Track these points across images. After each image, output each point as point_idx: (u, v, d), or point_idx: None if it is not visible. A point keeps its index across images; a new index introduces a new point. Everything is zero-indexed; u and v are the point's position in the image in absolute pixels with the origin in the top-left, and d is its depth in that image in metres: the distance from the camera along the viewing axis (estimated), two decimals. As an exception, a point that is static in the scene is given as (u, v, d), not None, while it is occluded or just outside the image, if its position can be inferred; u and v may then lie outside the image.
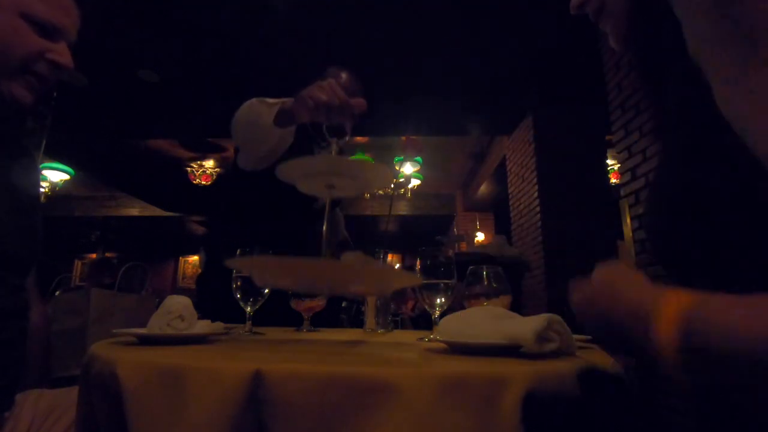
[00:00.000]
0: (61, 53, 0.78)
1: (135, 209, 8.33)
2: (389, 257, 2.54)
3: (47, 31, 0.76)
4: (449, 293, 0.85)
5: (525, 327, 0.59)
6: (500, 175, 5.05)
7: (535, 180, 3.74)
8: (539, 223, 3.66)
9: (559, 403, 0.49)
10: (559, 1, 2.90)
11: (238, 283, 0.92)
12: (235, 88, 3.85)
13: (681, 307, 0.39)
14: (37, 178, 0.92)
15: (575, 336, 0.81)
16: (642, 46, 0.38)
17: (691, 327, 0.38)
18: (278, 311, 1.00)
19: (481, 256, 3.07)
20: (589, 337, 0.83)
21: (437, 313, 0.86)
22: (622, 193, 2.60)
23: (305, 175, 0.76)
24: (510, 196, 4.40)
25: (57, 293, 2.53)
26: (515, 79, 3.60)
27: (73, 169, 6.16)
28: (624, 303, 0.45)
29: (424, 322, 3.02)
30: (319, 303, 1.01)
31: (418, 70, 3.50)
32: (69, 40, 0.80)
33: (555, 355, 0.58)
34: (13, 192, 0.79)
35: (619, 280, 0.48)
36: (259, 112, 1.15)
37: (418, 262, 0.87)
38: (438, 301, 0.85)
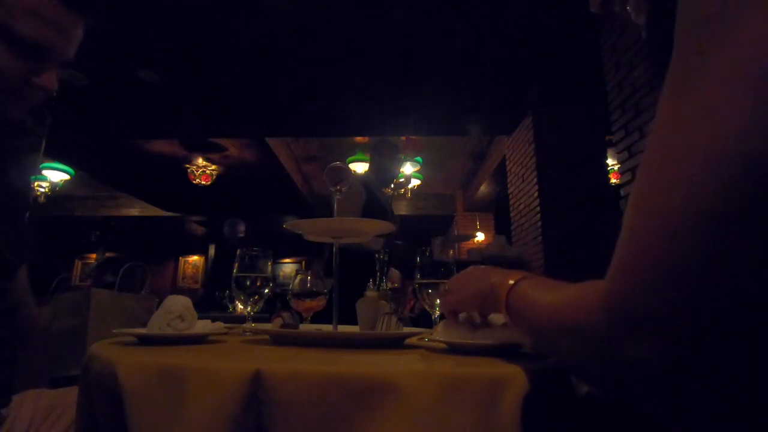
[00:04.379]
0: (47, 79, 0.71)
1: (135, 209, 8.34)
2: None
3: (34, 52, 0.68)
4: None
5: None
6: (500, 175, 5.05)
7: (535, 180, 3.74)
8: (539, 223, 3.66)
9: (559, 403, 0.49)
10: (559, 1, 2.90)
11: (240, 283, 0.92)
12: (235, 88, 3.85)
13: (509, 284, 0.53)
14: (26, 181, 0.89)
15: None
16: (659, 22, 0.37)
17: (510, 300, 0.52)
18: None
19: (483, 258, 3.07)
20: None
21: (437, 313, 0.86)
22: (622, 193, 2.60)
23: (313, 231, 0.87)
24: (510, 196, 4.40)
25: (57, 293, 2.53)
26: (515, 79, 3.60)
27: (73, 169, 6.16)
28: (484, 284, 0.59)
29: (424, 322, 3.02)
30: (319, 303, 1.00)
31: (418, 69, 3.50)
32: (61, 60, 0.73)
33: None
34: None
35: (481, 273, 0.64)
36: None
37: (417, 262, 0.87)
38: (438, 301, 0.85)
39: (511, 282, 0.53)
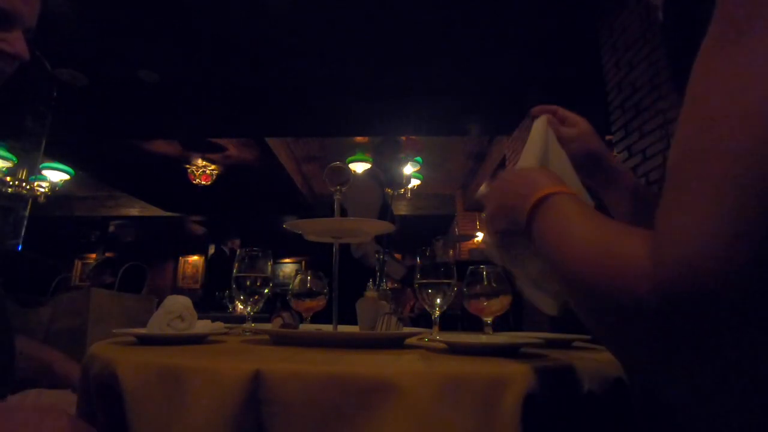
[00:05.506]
0: (13, 42, 0.71)
1: (135, 209, 8.33)
2: (397, 257, 2.54)
3: (1, 17, 0.69)
4: (449, 293, 0.85)
5: None
6: (500, 175, 5.04)
7: (535, 180, 3.73)
8: (539, 223, 3.65)
9: (559, 403, 0.49)
10: (559, 2, 2.90)
11: (239, 283, 0.92)
12: (235, 88, 3.85)
13: (536, 197, 0.43)
14: None
15: (576, 336, 0.81)
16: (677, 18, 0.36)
17: (535, 221, 0.43)
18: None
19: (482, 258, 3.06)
20: (589, 337, 0.83)
21: (437, 313, 0.86)
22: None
23: (313, 231, 0.88)
24: (510, 196, 4.39)
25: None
26: (515, 79, 3.60)
27: (73, 169, 6.16)
28: (516, 183, 0.50)
29: (424, 322, 3.01)
30: (319, 303, 1.00)
31: (418, 69, 3.50)
32: (25, 26, 0.73)
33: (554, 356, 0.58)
34: None
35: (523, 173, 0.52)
36: None
37: (418, 261, 0.87)
38: (438, 301, 0.85)
39: (539, 195, 0.43)
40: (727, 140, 0.25)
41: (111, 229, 7.87)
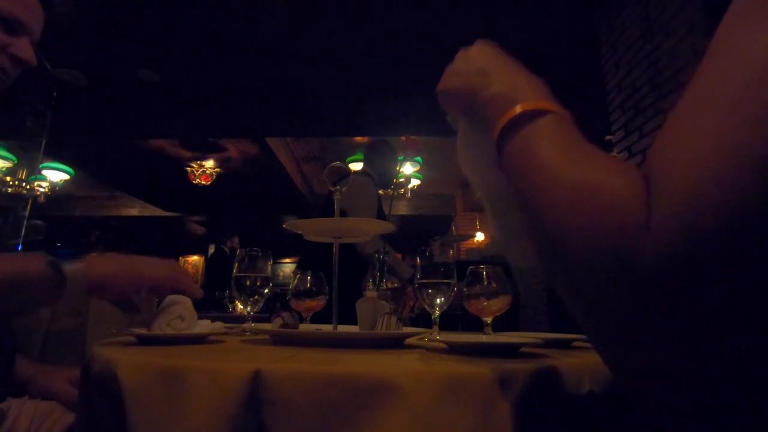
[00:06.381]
0: (23, 49, 0.76)
1: (135, 209, 8.33)
2: (398, 256, 2.55)
3: (8, 25, 0.75)
4: (449, 293, 0.85)
5: None
6: (500, 175, 5.03)
7: (535, 180, 3.73)
8: (539, 223, 3.65)
9: (559, 403, 0.49)
10: (558, 2, 2.90)
11: (239, 283, 0.92)
12: (235, 88, 3.85)
13: (514, 111, 0.37)
14: None
15: (576, 336, 0.81)
16: None
17: (510, 143, 0.36)
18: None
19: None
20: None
21: (437, 313, 0.86)
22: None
23: (314, 231, 0.88)
24: (510, 196, 4.39)
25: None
26: (515, 79, 3.60)
27: (73, 169, 6.16)
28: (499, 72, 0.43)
29: (424, 322, 3.01)
30: (319, 303, 1.01)
31: (419, 69, 3.50)
32: (32, 36, 0.78)
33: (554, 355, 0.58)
34: None
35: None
36: None
37: (417, 261, 0.87)
38: (438, 301, 0.85)
39: (518, 110, 0.37)
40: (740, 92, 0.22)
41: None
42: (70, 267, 0.63)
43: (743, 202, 0.20)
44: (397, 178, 5.51)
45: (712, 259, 0.21)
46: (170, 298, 0.75)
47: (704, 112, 0.24)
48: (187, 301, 0.75)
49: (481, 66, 0.45)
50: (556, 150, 0.32)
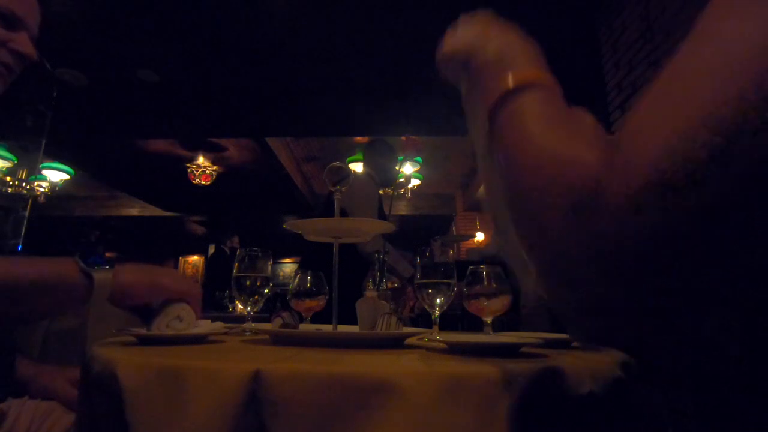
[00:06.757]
0: (23, 43, 0.77)
1: (135, 209, 8.33)
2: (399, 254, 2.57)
3: (6, 20, 0.75)
4: (449, 293, 0.85)
5: None
6: (500, 175, 5.03)
7: (535, 180, 3.73)
8: (539, 223, 3.65)
9: (558, 403, 0.49)
10: (558, 1, 2.90)
11: (239, 283, 0.92)
12: (235, 88, 3.85)
13: (504, 87, 0.38)
14: None
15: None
16: None
17: (499, 117, 0.38)
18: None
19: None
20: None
21: (437, 313, 0.86)
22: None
23: (314, 231, 0.88)
24: (510, 196, 4.38)
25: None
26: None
27: (73, 169, 6.16)
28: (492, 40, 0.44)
29: (424, 322, 3.01)
30: (319, 303, 1.01)
31: (419, 69, 3.50)
32: (30, 31, 0.79)
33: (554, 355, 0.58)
34: None
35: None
36: None
37: (418, 261, 0.87)
38: (438, 301, 0.85)
39: (510, 83, 0.38)
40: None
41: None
42: (99, 275, 0.67)
43: (688, 175, 0.23)
44: (397, 178, 5.51)
45: (652, 215, 0.24)
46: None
47: (667, 93, 0.27)
48: (186, 305, 0.75)
49: (477, 31, 0.47)
50: (539, 125, 0.35)
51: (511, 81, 0.38)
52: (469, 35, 0.47)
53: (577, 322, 0.32)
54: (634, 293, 0.26)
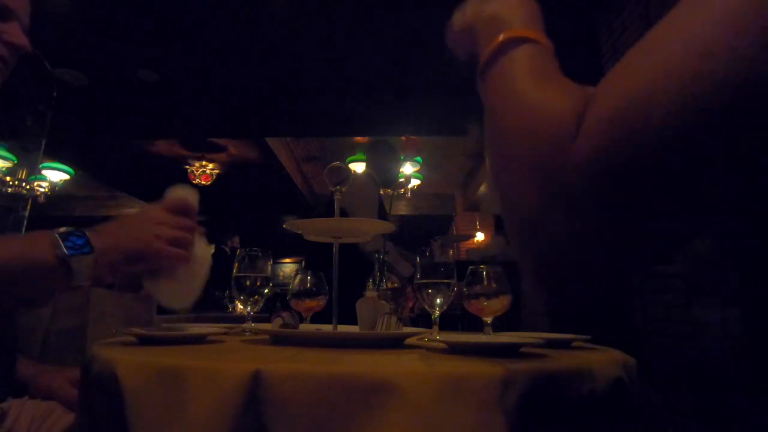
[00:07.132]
0: (15, 34, 0.75)
1: (135, 209, 8.32)
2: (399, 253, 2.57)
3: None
4: (449, 293, 0.85)
5: None
6: (500, 175, 5.03)
7: (535, 180, 3.73)
8: (539, 223, 3.65)
9: (559, 403, 0.49)
10: (558, 1, 2.91)
11: (239, 283, 0.92)
12: (235, 88, 3.85)
13: (496, 41, 0.39)
14: None
15: (576, 336, 0.81)
16: None
17: (490, 70, 0.40)
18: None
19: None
20: (589, 337, 0.83)
21: (437, 313, 0.86)
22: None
23: (314, 231, 0.88)
24: (510, 196, 4.38)
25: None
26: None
27: (73, 169, 6.15)
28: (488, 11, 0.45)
29: (424, 322, 3.02)
30: (319, 303, 1.01)
31: (419, 69, 3.50)
32: (21, 23, 0.77)
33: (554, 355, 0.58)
34: None
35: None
36: None
37: (418, 261, 0.87)
38: (438, 301, 0.85)
39: (500, 38, 0.39)
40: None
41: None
42: (77, 261, 0.59)
43: (647, 118, 0.25)
44: (398, 179, 5.51)
45: (617, 166, 0.27)
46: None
47: (639, 52, 0.29)
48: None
49: (480, 2, 0.48)
50: (526, 80, 0.37)
51: (502, 38, 0.39)
52: (472, 7, 0.50)
53: (557, 288, 0.34)
54: (602, 234, 0.28)
